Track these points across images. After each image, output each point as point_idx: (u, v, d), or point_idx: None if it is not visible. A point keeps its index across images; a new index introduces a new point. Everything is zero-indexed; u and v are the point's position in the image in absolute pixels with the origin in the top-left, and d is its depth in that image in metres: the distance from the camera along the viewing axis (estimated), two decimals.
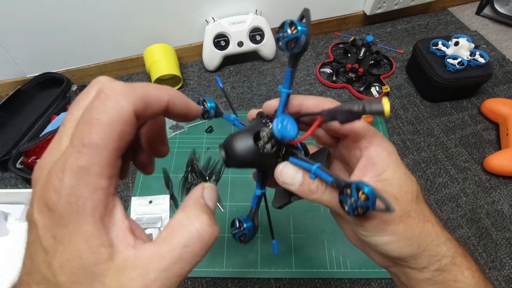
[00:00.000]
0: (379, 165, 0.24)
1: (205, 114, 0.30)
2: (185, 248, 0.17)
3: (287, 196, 0.27)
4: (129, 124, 0.16)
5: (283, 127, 0.23)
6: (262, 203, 0.30)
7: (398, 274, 0.26)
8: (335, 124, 0.24)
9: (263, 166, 0.25)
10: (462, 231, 0.65)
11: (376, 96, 0.75)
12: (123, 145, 0.16)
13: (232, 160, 0.23)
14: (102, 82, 0.18)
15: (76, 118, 0.17)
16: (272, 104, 0.26)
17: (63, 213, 0.15)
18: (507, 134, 0.74)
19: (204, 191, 0.20)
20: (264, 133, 0.24)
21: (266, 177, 0.28)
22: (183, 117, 0.21)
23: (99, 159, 0.15)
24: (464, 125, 0.81)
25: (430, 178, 0.72)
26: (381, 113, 0.19)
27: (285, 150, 0.25)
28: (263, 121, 0.25)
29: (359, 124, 0.24)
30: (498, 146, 0.77)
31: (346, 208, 0.20)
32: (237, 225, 0.28)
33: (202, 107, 0.30)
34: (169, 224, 0.18)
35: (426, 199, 0.69)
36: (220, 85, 0.33)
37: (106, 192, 0.16)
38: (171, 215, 0.66)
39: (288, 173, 0.23)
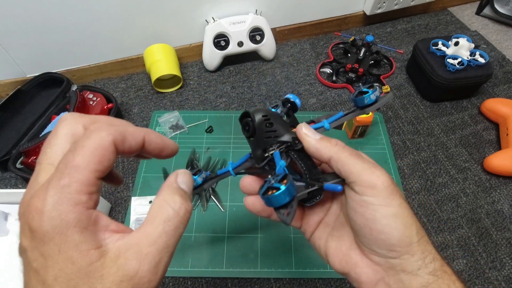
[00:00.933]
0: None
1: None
2: (166, 223, 0.19)
3: (301, 188, 0.26)
4: (108, 151, 0.19)
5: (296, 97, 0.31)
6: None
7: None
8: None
9: (278, 128, 0.28)
10: (462, 231, 0.65)
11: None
12: (102, 168, 0.18)
13: (258, 109, 0.27)
14: (71, 119, 0.20)
15: (50, 156, 0.19)
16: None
17: (47, 228, 0.16)
18: (507, 134, 0.74)
19: (178, 176, 0.23)
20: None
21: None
22: (159, 152, 0.23)
23: (79, 177, 0.17)
24: (464, 125, 0.81)
25: (430, 178, 0.72)
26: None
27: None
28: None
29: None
30: (498, 146, 0.77)
31: (372, 96, 0.26)
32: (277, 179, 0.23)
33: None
34: (149, 211, 0.20)
35: (426, 199, 0.69)
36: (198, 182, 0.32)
37: (86, 205, 0.17)
38: None
39: (309, 128, 0.27)
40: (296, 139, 0.27)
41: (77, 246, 0.16)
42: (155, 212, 0.20)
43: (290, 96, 0.31)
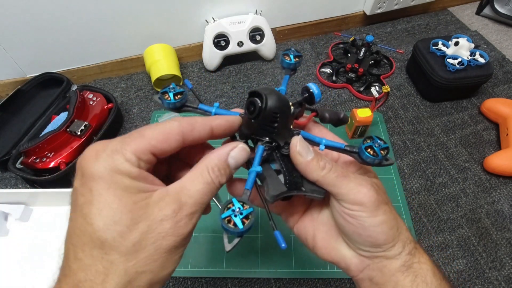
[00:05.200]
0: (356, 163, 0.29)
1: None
2: (204, 185, 0.22)
3: (282, 186, 0.26)
4: (172, 135, 0.22)
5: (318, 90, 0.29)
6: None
7: (372, 274, 0.27)
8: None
9: (279, 127, 0.26)
10: (462, 231, 0.65)
11: (376, 96, 0.75)
12: (160, 146, 0.22)
13: (271, 95, 0.26)
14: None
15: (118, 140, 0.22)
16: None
17: (100, 169, 0.19)
18: (507, 134, 0.74)
19: (232, 150, 0.25)
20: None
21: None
22: (227, 133, 0.27)
23: (138, 143, 0.21)
24: (464, 125, 0.81)
25: (430, 178, 0.72)
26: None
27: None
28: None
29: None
30: (498, 146, 0.77)
31: (372, 152, 0.25)
32: (237, 208, 0.22)
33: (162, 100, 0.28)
34: (193, 169, 0.23)
35: (426, 199, 0.69)
36: (189, 86, 0.32)
37: (134, 164, 0.20)
38: None
39: (303, 146, 0.26)
40: (287, 144, 0.27)
41: (126, 188, 0.19)
42: (197, 173, 0.22)
43: (311, 85, 0.28)
